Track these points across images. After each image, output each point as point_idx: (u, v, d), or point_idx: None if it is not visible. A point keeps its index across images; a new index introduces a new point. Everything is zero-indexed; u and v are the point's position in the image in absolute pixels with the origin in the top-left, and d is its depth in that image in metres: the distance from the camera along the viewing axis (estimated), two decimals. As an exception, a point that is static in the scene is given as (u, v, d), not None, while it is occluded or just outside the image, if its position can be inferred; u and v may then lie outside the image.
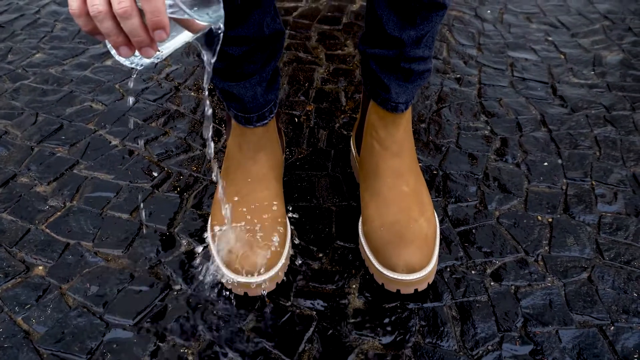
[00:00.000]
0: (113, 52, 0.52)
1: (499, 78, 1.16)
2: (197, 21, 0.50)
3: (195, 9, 0.49)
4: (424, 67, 0.76)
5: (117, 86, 1.13)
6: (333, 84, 1.14)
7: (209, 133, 0.67)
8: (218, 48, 0.55)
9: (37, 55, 1.22)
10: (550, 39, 1.29)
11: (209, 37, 0.55)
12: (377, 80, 0.77)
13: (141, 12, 0.47)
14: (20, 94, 1.10)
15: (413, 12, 0.69)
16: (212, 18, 0.51)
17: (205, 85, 0.60)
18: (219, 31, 0.53)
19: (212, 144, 0.69)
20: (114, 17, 0.47)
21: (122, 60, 0.53)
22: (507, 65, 1.20)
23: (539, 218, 0.86)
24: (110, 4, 0.47)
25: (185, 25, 0.51)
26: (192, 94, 1.11)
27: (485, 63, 1.20)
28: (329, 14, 1.38)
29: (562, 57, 1.23)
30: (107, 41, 0.51)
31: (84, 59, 1.21)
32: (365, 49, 0.76)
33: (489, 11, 1.40)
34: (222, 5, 0.51)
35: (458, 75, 1.17)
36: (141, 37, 0.48)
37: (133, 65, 0.54)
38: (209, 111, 0.67)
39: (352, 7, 1.41)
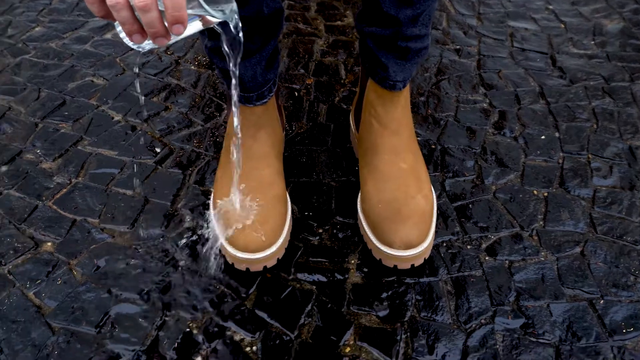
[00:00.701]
0: (122, 35, 0.53)
1: (498, 49, 1.16)
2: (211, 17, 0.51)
3: (212, 4, 0.50)
4: (421, 45, 0.77)
5: (117, 60, 1.13)
6: (332, 56, 1.14)
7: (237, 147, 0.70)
8: (241, 50, 0.57)
9: (36, 29, 1.22)
10: (550, 7, 1.28)
11: (231, 42, 0.56)
12: (374, 59, 0.78)
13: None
14: (22, 69, 1.11)
15: None
16: (226, 14, 0.52)
17: (234, 97, 0.62)
18: (239, 32, 0.54)
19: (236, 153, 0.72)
20: (130, 7, 0.48)
21: (130, 43, 0.54)
22: (507, 35, 1.20)
23: (535, 192, 0.87)
24: None
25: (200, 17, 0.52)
26: (192, 67, 1.12)
27: (485, 33, 1.20)
28: (328, -18, 1.37)
29: (562, 26, 1.23)
30: (117, 24, 0.51)
31: (83, 32, 1.21)
32: (362, 27, 0.77)
33: (490, -22, 1.38)
34: (234, 1, 0.52)
35: (457, 47, 1.17)
36: (158, 29, 0.49)
37: (139, 49, 0.55)
38: (237, 128, 0.69)
39: (352, -25, 1.40)
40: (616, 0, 1.31)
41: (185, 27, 0.49)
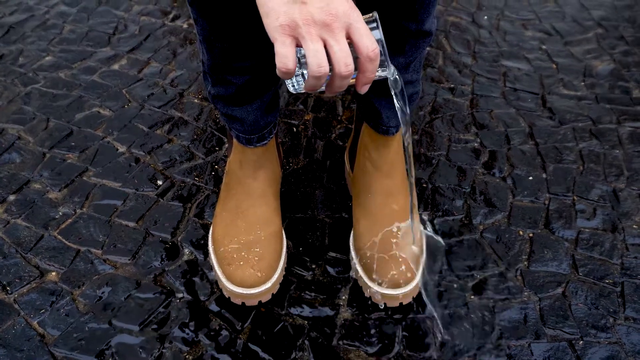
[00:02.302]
0: (289, 83, 0.59)
1: (491, 88, 1.20)
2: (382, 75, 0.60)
3: (384, 69, 0.59)
4: (412, 90, 0.81)
5: (124, 92, 1.18)
6: (331, 92, 1.18)
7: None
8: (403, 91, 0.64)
9: (46, 58, 1.26)
10: (544, 47, 1.33)
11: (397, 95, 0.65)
12: (368, 105, 0.82)
13: None
14: (31, 99, 1.15)
15: (402, 41, 0.73)
16: (391, 73, 0.61)
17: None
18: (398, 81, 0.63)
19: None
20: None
21: (291, 89, 0.60)
22: (500, 74, 1.24)
23: (521, 233, 0.91)
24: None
25: None
26: (196, 100, 1.16)
27: (479, 72, 1.25)
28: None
29: (554, 66, 1.27)
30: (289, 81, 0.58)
31: (92, 62, 1.26)
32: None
33: (485, 17, 1.43)
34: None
35: (452, 85, 1.21)
36: (343, 88, 0.56)
37: (295, 91, 0.61)
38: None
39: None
40: (607, 41, 1.35)
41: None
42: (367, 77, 0.55)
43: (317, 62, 0.52)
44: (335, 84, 0.55)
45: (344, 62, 0.52)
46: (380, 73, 0.59)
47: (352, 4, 0.53)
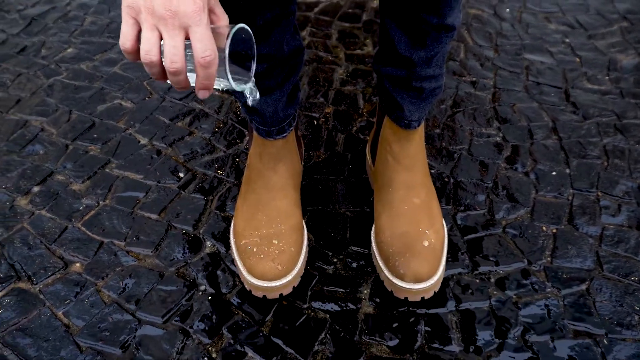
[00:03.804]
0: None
1: (513, 82, 1.19)
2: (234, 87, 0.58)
3: (237, 80, 0.58)
4: (435, 85, 0.80)
5: (145, 84, 1.18)
6: (351, 85, 1.18)
7: None
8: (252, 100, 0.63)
9: (68, 50, 1.27)
10: (567, 40, 1.31)
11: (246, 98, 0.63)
12: (390, 98, 0.81)
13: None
14: (54, 91, 1.16)
15: (423, 34, 0.73)
16: (245, 87, 0.60)
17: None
18: (255, 100, 0.62)
19: None
20: (161, 65, 0.54)
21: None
22: (523, 68, 1.23)
23: (544, 228, 0.90)
24: (160, 54, 0.52)
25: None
26: (216, 93, 1.16)
27: (501, 65, 1.23)
28: (349, 10, 1.41)
29: (578, 60, 1.25)
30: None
31: (112, 54, 1.26)
32: (379, 67, 0.81)
33: (507, 10, 1.41)
34: (252, 76, 0.60)
35: (474, 79, 1.20)
36: (182, 85, 0.55)
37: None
38: None
39: (373, 4, 1.44)
40: (633, 34, 1.33)
41: (209, 94, 0.56)
42: (201, 83, 0.55)
43: (146, 49, 0.54)
44: (170, 79, 0.55)
45: (170, 59, 0.53)
46: (222, 84, 0.57)
47: (201, 7, 0.53)
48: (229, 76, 0.56)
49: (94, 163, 1.01)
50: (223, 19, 0.57)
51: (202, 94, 0.56)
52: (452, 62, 1.24)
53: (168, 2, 0.52)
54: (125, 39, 0.55)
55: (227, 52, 0.55)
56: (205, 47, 0.53)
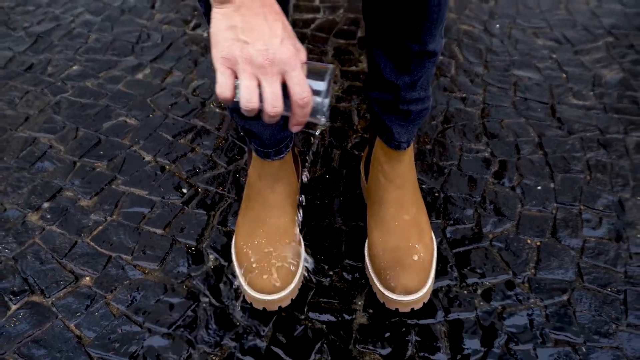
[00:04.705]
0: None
1: (502, 98, 1.24)
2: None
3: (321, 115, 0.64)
4: (421, 107, 0.85)
5: (148, 101, 1.23)
6: (346, 102, 1.23)
7: None
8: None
9: (74, 68, 1.32)
10: (554, 56, 1.36)
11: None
12: (379, 121, 0.86)
13: None
14: (61, 108, 1.21)
15: (407, 60, 0.77)
16: (323, 123, 0.64)
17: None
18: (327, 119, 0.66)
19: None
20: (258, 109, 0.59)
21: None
22: (511, 84, 1.28)
23: (529, 241, 0.95)
24: (259, 100, 0.58)
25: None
26: (217, 110, 1.21)
27: (490, 82, 1.28)
28: (345, 26, 1.46)
29: (564, 76, 1.30)
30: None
31: (116, 72, 1.31)
32: (368, 91, 0.86)
33: (497, 25, 1.47)
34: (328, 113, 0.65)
35: (464, 95, 1.25)
36: (273, 121, 0.60)
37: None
38: None
39: (368, 20, 1.48)
40: (617, 50, 1.38)
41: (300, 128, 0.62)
42: (297, 120, 0.60)
43: (247, 97, 0.58)
44: (265, 118, 0.60)
45: (272, 104, 0.58)
46: (312, 118, 0.62)
47: (296, 52, 0.57)
48: (327, 113, 0.61)
49: (100, 179, 1.05)
50: (303, 53, 0.61)
51: (295, 129, 0.61)
52: (443, 78, 1.29)
53: (264, 51, 0.56)
54: (226, 89, 0.58)
55: (329, 97, 0.60)
56: (302, 90, 0.58)
